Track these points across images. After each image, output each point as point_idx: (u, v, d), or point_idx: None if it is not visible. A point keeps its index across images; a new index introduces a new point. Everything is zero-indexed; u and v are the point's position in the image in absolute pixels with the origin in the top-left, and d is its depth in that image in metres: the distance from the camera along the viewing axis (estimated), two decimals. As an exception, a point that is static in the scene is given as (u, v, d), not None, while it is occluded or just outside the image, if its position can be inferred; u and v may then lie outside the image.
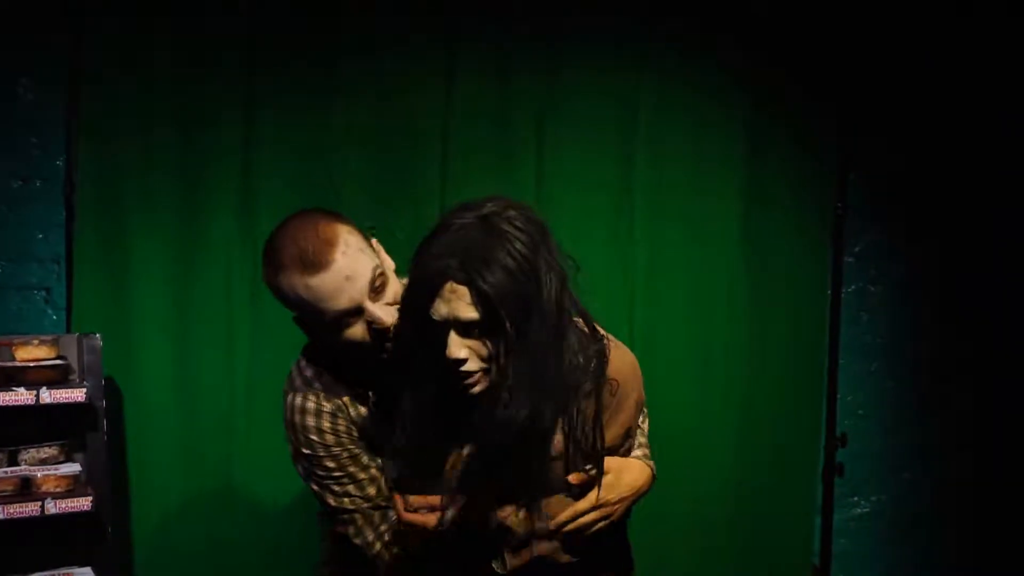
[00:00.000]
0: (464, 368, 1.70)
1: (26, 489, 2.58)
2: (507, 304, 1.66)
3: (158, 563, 2.91)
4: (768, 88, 3.13)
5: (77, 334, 2.73)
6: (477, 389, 1.72)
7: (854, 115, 3.23)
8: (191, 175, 2.87)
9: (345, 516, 1.91)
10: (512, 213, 1.71)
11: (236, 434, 2.92)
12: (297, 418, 1.92)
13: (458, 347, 1.69)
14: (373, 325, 1.81)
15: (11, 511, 2.50)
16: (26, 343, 2.64)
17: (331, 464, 1.91)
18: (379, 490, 1.91)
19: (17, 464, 2.65)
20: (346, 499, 1.91)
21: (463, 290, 1.66)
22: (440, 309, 1.68)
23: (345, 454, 1.91)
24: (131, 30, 2.79)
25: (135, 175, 2.84)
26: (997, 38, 3.41)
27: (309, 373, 1.97)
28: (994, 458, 3.55)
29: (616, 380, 1.82)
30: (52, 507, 2.55)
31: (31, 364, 2.61)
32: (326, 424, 1.91)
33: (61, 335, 2.75)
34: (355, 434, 1.92)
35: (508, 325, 1.66)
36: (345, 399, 1.93)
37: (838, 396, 3.25)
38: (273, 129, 2.89)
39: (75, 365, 2.71)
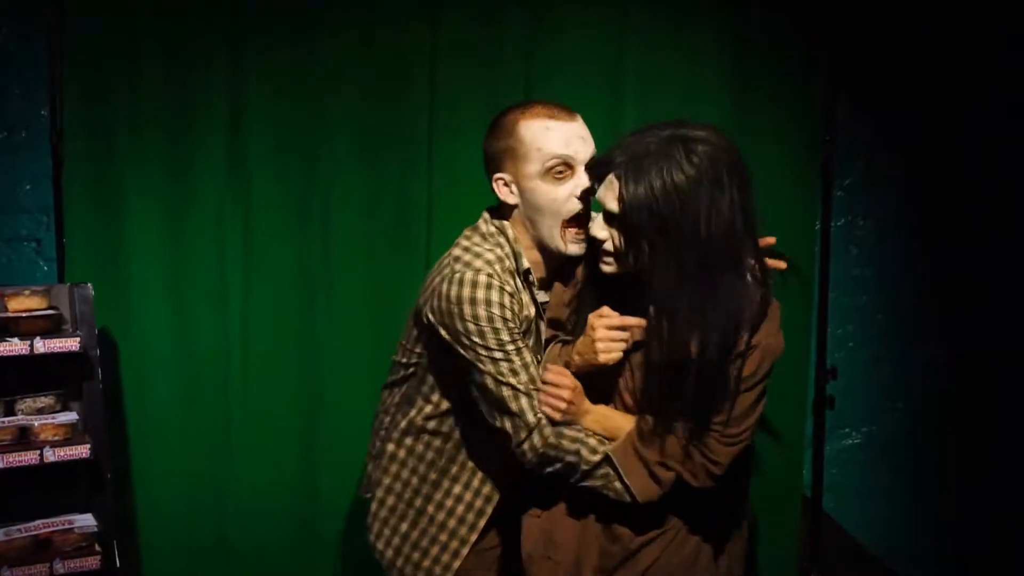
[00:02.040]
0: (603, 248, 2.00)
1: (24, 438, 2.61)
2: (638, 215, 1.89)
3: (159, 509, 2.94)
4: (755, 21, 3.10)
5: (68, 284, 2.74)
6: (608, 269, 2.03)
7: (842, 48, 3.20)
8: (179, 121, 2.86)
9: (513, 393, 2.08)
10: (698, 147, 1.89)
11: (232, 378, 2.94)
12: (481, 293, 2.08)
13: (600, 228, 2.01)
14: (578, 192, 2.12)
15: (10, 460, 2.53)
16: (18, 294, 2.65)
17: (506, 338, 2.08)
18: (533, 377, 2.11)
19: (14, 414, 2.67)
20: (513, 378, 2.09)
21: (617, 184, 1.93)
22: (600, 192, 2.00)
23: (517, 332, 2.11)
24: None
25: (122, 123, 2.82)
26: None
27: (490, 256, 2.15)
28: (984, 388, 3.58)
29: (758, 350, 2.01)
30: (51, 455, 2.57)
31: (23, 315, 2.62)
32: (507, 300, 2.09)
33: (53, 285, 2.75)
34: (520, 319, 2.13)
35: (640, 235, 1.90)
36: (519, 285, 2.17)
37: (828, 329, 3.27)
38: (260, 74, 2.87)
39: (67, 315, 2.72)
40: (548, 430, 2.08)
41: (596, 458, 2.08)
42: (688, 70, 3.07)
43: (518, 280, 2.17)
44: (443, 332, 2.12)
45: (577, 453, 2.08)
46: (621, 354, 2.06)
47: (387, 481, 2.33)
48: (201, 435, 2.95)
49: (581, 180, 2.13)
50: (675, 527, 2.14)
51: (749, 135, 3.11)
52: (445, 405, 2.26)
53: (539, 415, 2.08)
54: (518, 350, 2.09)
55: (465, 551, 2.30)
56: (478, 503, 2.30)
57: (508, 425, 2.10)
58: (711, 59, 3.08)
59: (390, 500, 2.34)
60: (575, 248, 2.17)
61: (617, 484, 2.08)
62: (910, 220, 3.54)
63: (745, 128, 3.11)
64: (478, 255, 2.15)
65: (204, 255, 2.90)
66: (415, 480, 2.31)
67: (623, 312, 2.04)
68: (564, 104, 2.18)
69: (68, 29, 2.76)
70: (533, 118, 2.13)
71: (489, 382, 2.09)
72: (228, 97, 2.87)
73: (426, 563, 2.31)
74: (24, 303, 2.64)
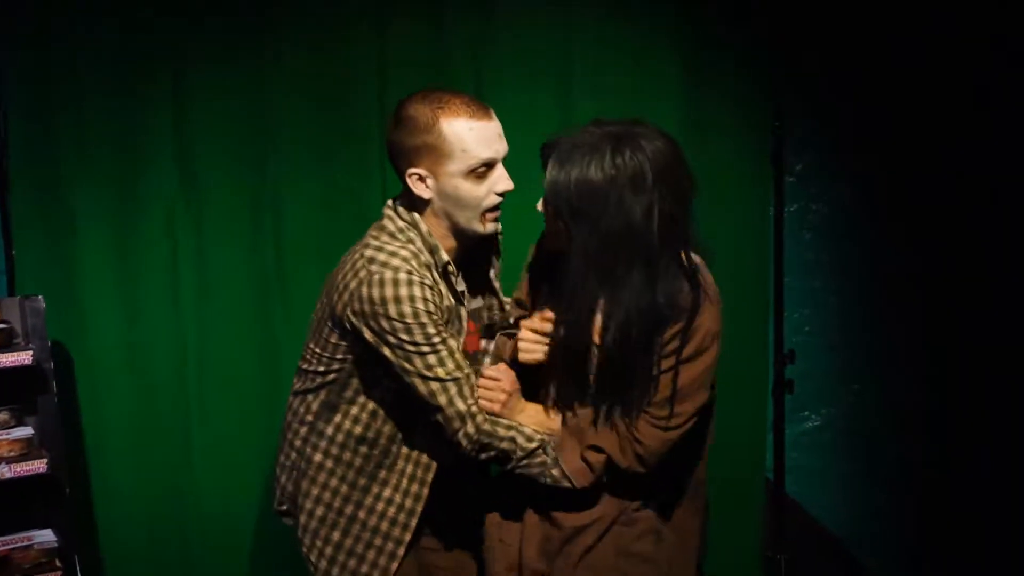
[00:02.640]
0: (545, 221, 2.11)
1: (-21, 455, 2.57)
2: (555, 199, 2.02)
3: (119, 521, 2.92)
4: (702, 13, 3.13)
5: (19, 297, 2.70)
6: (550, 243, 2.13)
7: (792, 36, 3.23)
8: (125, 129, 2.83)
9: (440, 385, 2.12)
10: (627, 148, 1.98)
11: (189, 386, 2.92)
12: (404, 291, 2.10)
13: (541, 203, 2.09)
14: (498, 189, 2.18)
15: (-34, 477, 2.50)
16: (-33, 309, 2.61)
17: (432, 331, 2.11)
18: (460, 364, 2.15)
19: (-32, 431, 2.63)
20: (441, 369, 2.12)
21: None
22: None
23: (440, 323, 2.14)
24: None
25: (68, 133, 2.80)
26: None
27: (405, 253, 2.16)
28: (940, 370, 3.62)
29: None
30: (7, 471, 2.54)
31: (-27, 330, 2.58)
32: (428, 293, 2.12)
33: (3, 299, 2.71)
34: (441, 310, 2.17)
35: (559, 217, 2.02)
36: (436, 277, 2.19)
37: (784, 314, 3.30)
38: (205, 78, 2.85)
39: (19, 328, 2.68)
40: (481, 417, 2.14)
41: (532, 445, 2.13)
42: (639, 61, 3.09)
43: (435, 272, 2.20)
44: (367, 334, 2.13)
45: (512, 440, 2.14)
46: (542, 355, 2.16)
47: (315, 492, 2.29)
48: (159, 445, 2.92)
49: (501, 177, 2.19)
50: (612, 513, 2.17)
51: (701, 124, 3.15)
52: (371, 407, 2.25)
53: (470, 402, 2.13)
54: (443, 340, 2.13)
55: (401, 551, 2.29)
56: (408, 503, 2.29)
57: (441, 416, 2.14)
58: (662, 50, 3.10)
59: (319, 511, 2.30)
60: (492, 227, 2.24)
61: (555, 471, 2.13)
62: (863, 204, 3.58)
63: (697, 117, 3.14)
64: (393, 254, 2.15)
65: (156, 264, 2.88)
66: (344, 487, 2.29)
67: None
68: (477, 99, 2.19)
69: (8, 43, 2.73)
70: (454, 116, 2.13)
71: (418, 379, 2.12)
72: (174, 105, 2.84)
73: (364, 568, 2.29)
74: (-27, 319, 2.61)
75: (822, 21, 3.38)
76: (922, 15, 3.44)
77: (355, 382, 2.25)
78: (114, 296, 2.86)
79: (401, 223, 2.22)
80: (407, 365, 2.12)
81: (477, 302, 2.42)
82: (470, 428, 2.13)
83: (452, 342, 2.15)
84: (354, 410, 2.27)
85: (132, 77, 2.81)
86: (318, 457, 2.29)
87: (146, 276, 2.88)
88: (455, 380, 2.13)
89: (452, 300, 2.23)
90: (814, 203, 3.55)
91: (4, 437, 2.60)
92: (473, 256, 2.34)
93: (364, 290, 2.11)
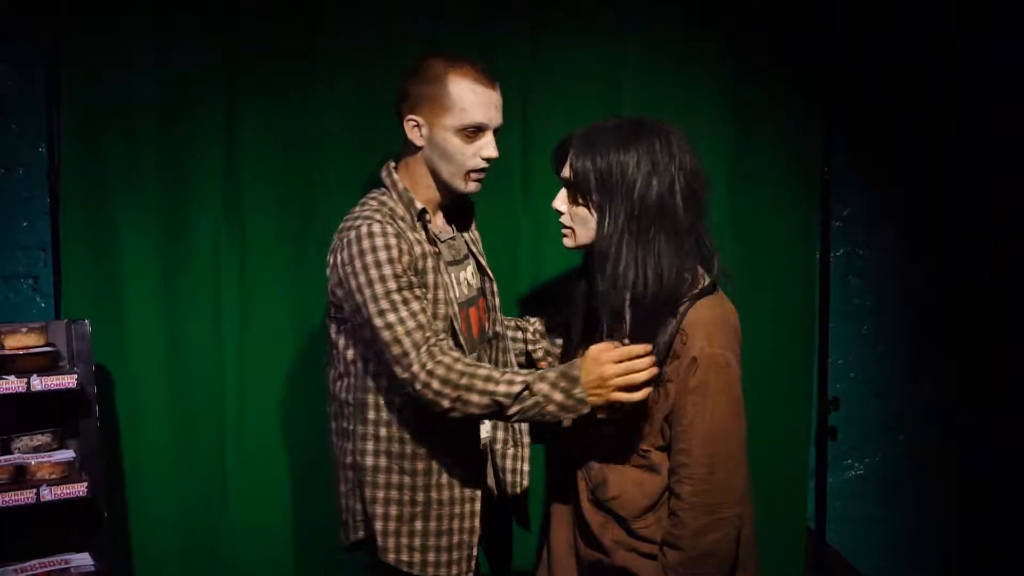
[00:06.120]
0: (560, 220, 2.21)
1: (20, 477, 2.58)
2: (587, 182, 2.12)
3: (155, 546, 2.91)
4: (751, 57, 3.11)
5: (66, 320, 2.73)
6: (567, 243, 2.22)
7: (838, 80, 3.22)
8: (175, 159, 2.85)
9: (393, 337, 2.16)
10: (643, 131, 2.12)
11: (228, 415, 2.92)
12: (367, 242, 2.20)
13: (560, 201, 2.21)
14: (483, 154, 2.32)
15: (6, 499, 2.51)
16: (14, 331, 2.64)
17: (392, 286, 2.18)
18: (424, 327, 2.18)
19: (10, 452, 2.65)
20: (400, 327, 2.17)
21: (570, 155, 2.16)
22: (563, 168, 2.20)
23: (405, 279, 2.21)
24: (110, 15, 2.76)
25: (119, 161, 2.82)
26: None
27: (367, 212, 2.28)
28: (985, 417, 3.57)
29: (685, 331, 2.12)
30: (47, 494, 2.55)
31: (20, 352, 2.61)
32: (392, 241, 2.21)
33: (50, 322, 2.74)
34: (415, 267, 2.25)
35: (587, 196, 2.13)
36: (404, 226, 2.28)
37: (829, 360, 3.26)
38: (255, 111, 2.87)
39: (64, 352, 2.70)
40: (438, 368, 2.14)
41: (516, 388, 2.12)
42: (687, 102, 3.08)
43: (408, 222, 2.30)
44: (347, 302, 2.24)
45: (484, 391, 2.12)
46: (649, 388, 2.10)
47: (381, 494, 2.33)
48: (197, 473, 2.92)
49: (488, 143, 2.33)
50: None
51: (749, 167, 3.13)
52: (398, 385, 2.25)
53: (424, 361, 2.14)
54: (404, 300, 2.18)
55: (477, 522, 2.38)
56: (468, 471, 2.38)
57: (399, 369, 2.16)
58: (710, 93, 3.09)
59: (393, 510, 2.33)
60: (473, 187, 2.37)
61: (550, 407, 2.12)
62: (909, 250, 3.54)
63: (745, 160, 3.12)
64: (356, 217, 2.28)
65: (200, 292, 2.89)
66: (407, 478, 2.33)
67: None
68: (489, 68, 2.35)
69: (65, 66, 2.77)
70: (462, 76, 2.28)
71: (382, 328, 2.17)
72: (224, 133, 2.86)
73: (455, 539, 2.35)
74: (21, 340, 2.63)
75: (870, 67, 3.37)
76: (971, 59, 3.43)
77: (371, 367, 2.31)
78: (158, 322, 2.87)
79: (375, 192, 2.37)
80: (374, 324, 2.18)
81: (472, 275, 2.48)
82: (422, 376, 2.14)
83: (419, 301, 2.20)
84: (382, 398, 2.31)
85: (183, 107, 2.84)
86: (370, 460, 2.33)
87: (190, 304, 2.89)
88: (414, 342, 2.15)
89: (426, 247, 2.31)
90: (860, 248, 3.52)
91: (46, 460, 2.61)
92: (455, 222, 2.50)
93: (339, 255, 2.25)
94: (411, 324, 2.16)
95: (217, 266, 2.90)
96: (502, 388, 2.12)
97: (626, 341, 2.08)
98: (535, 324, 2.72)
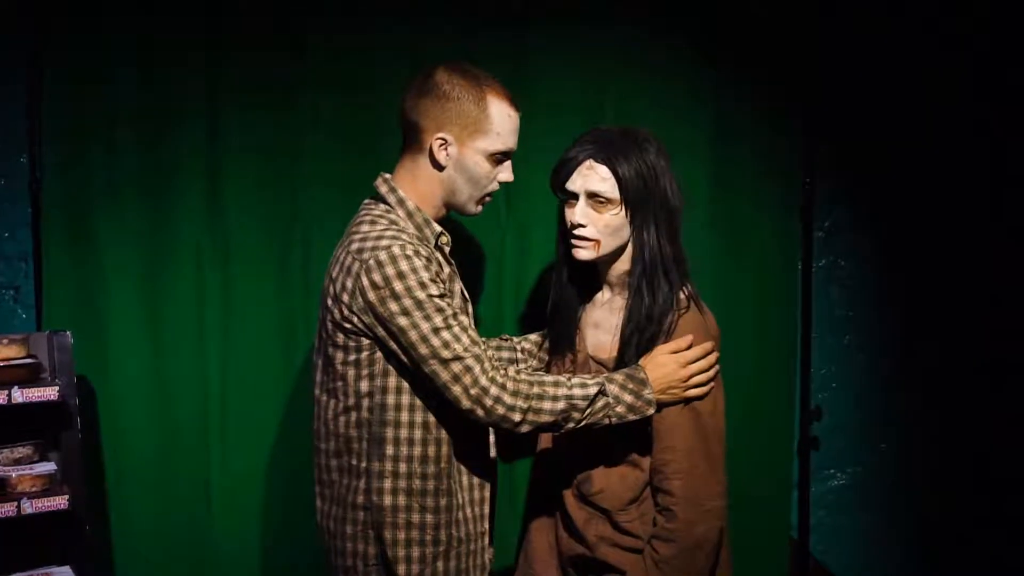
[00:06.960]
0: (580, 233, 2.22)
1: (1, 490, 2.56)
2: (630, 188, 2.17)
3: (138, 560, 2.89)
4: (733, 69, 3.13)
5: (47, 332, 2.71)
6: (584, 255, 2.24)
7: (819, 92, 3.24)
8: (158, 169, 2.84)
9: (461, 364, 2.10)
10: (642, 133, 2.25)
11: (211, 427, 2.91)
12: (404, 264, 2.09)
13: (582, 214, 2.21)
14: (501, 179, 2.28)
15: (-13, 512, 2.49)
16: (-5, 343, 2.62)
17: (444, 304, 2.11)
18: (479, 343, 2.15)
19: (-9, 465, 2.63)
20: (458, 345, 2.10)
21: (599, 167, 2.19)
22: (576, 182, 2.22)
23: (448, 296, 2.16)
24: (92, 25, 2.76)
25: (101, 171, 2.81)
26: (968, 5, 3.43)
27: (391, 232, 2.16)
28: (968, 427, 3.58)
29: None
30: (28, 507, 2.53)
31: (1, 364, 2.58)
32: (425, 263, 2.12)
33: (31, 333, 2.72)
34: (444, 279, 2.19)
35: (627, 205, 2.18)
36: (430, 249, 2.21)
37: (811, 370, 3.27)
38: (236, 118, 2.86)
39: (46, 363, 2.68)
40: (507, 382, 2.12)
41: (592, 390, 2.14)
42: (668, 113, 3.08)
43: (425, 240, 2.22)
44: (380, 330, 2.12)
45: (568, 398, 2.12)
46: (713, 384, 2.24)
47: (402, 535, 2.20)
48: (181, 485, 2.90)
49: (508, 168, 2.30)
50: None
51: (730, 178, 3.14)
52: (419, 419, 2.20)
53: (491, 374, 2.10)
54: (456, 317, 2.12)
55: (486, 541, 2.34)
56: (477, 494, 2.32)
57: (462, 387, 2.10)
58: (691, 104, 3.11)
59: (415, 551, 2.21)
60: (480, 210, 2.33)
61: (619, 407, 2.14)
62: (891, 259, 3.56)
63: (726, 171, 3.14)
64: (379, 236, 2.15)
65: (183, 303, 2.88)
66: (430, 516, 2.22)
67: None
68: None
69: (47, 76, 2.76)
70: (500, 99, 2.24)
71: (436, 363, 2.10)
72: (207, 143, 2.86)
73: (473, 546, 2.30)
74: (2, 352, 2.61)
75: (852, 76, 3.39)
76: (955, 69, 3.45)
77: (390, 399, 2.19)
78: (140, 333, 2.86)
79: (380, 209, 2.24)
80: (423, 349, 2.08)
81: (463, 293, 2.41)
82: (496, 394, 2.10)
83: (464, 317, 2.15)
84: (402, 432, 2.20)
85: (166, 117, 2.83)
86: (388, 500, 2.21)
87: (172, 314, 2.88)
88: (476, 356, 2.10)
89: (447, 270, 2.26)
90: (842, 259, 3.53)
91: (27, 472, 2.60)
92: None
93: (364, 280, 2.10)
94: (467, 340, 2.11)
95: (200, 277, 2.89)
96: (577, 391, 2.13)
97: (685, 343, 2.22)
98: (521, 343, 2.66)
